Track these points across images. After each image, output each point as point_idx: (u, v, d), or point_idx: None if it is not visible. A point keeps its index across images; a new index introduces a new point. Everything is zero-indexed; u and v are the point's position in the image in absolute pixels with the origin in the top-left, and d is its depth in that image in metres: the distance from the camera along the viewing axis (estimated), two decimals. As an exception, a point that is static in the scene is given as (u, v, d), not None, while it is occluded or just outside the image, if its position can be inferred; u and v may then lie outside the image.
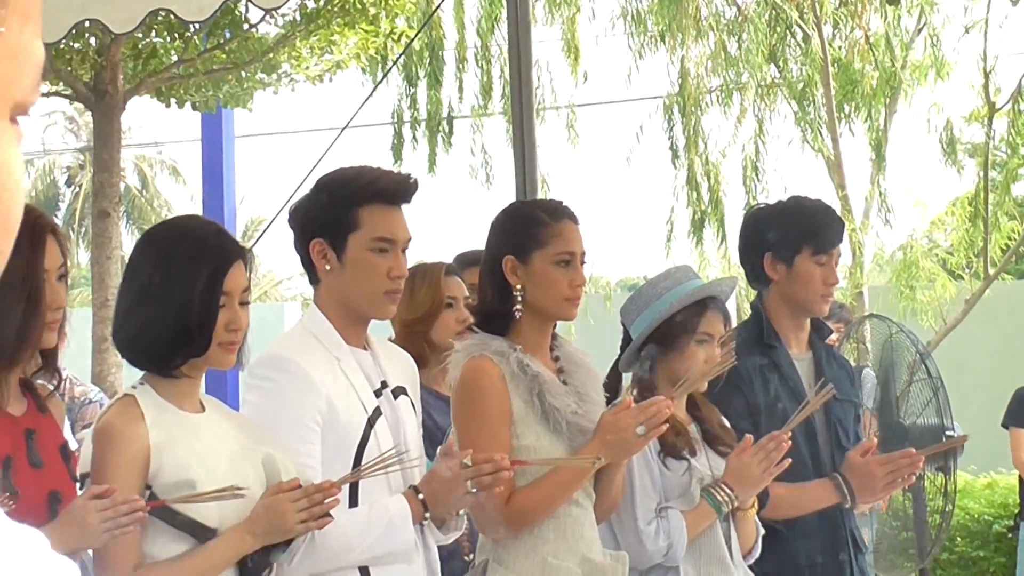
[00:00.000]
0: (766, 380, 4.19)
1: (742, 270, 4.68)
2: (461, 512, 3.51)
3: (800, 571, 4.17)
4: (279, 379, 3.30)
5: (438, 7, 12.53)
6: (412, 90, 15.20)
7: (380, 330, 4.19)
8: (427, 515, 3.35)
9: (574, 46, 14.89)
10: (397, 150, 15.36)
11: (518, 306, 3.59)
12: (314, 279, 3.49)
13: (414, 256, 3.73)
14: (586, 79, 15.02)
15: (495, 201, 16.24)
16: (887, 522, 5.11)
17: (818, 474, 4.19)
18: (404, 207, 3.49)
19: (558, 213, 3.67)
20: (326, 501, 3.02)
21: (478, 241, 4.18)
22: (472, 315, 3.89)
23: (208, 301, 3.05)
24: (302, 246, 3.46)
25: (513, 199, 5.32)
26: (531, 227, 3.63)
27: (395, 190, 3.46)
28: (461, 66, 15.16)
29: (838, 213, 4.69)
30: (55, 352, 3.04)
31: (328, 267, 3.42)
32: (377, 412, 3.37)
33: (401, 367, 3.59)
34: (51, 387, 3.17)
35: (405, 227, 3.46)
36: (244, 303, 3.14)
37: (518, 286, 3.59)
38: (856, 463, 4.15)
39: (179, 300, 3.03)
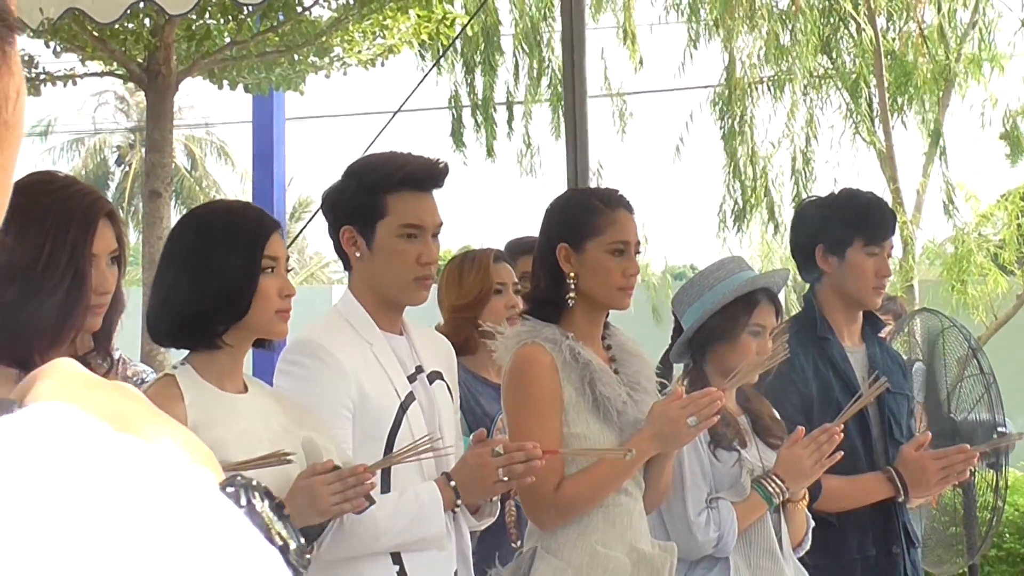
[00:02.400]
0: (819, 373, 4.17)
1: (791, 261, 4.66)
2: (495, 498, 3.50)
3: (852, 564, 4.15)
4: (309, 364, 3.29)
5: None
6: (468, 76, 15.18)
7: (429, 316, 4.19)
8: (459, 502, 3.34)
9: (630, 32, 14.83)
10: (458, 136, 15.35)
11: (571, 294, 3.58)
12: (347, 265, 3.49)
13: (467, 242, 3.74)
14: (642, 64, 14.96)
15: (547, 188, 16.23)
16: (936, 517, 5.08)
17: (871, 467, 4.17)
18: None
19: (613, 202, 3.65)
20: (364, 483, 3.01)
21: (528, 228, 4.16)
22: (524, 302, 3.88)
23: (248, 262, 3.03)
24: (334, 232, 3.47)
25: (564, 186, 5.31)
26: (586, 215, 3.61)
27: (423, 176, 3.45)
28: (516, 52, 15.13)
29: (890, 206, 4.66)
30: (106, 334, 3.03)
31: (358, 254, 3.42)
32: (410, 397, 3.36)
33: (437, 352, 3.58)
34: (104, 367, 3.15)
35: (435, 212, 3.45)
36: (288, 271, 3.14)
37: (571, 274, 3.58)
38: (910, 457, 4.14)
39: (220, 264, 3.01)
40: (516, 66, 15.17)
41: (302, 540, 0.98)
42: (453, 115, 15.29)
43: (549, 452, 3.33)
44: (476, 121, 15.32)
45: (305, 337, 3.36)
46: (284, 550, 0.93)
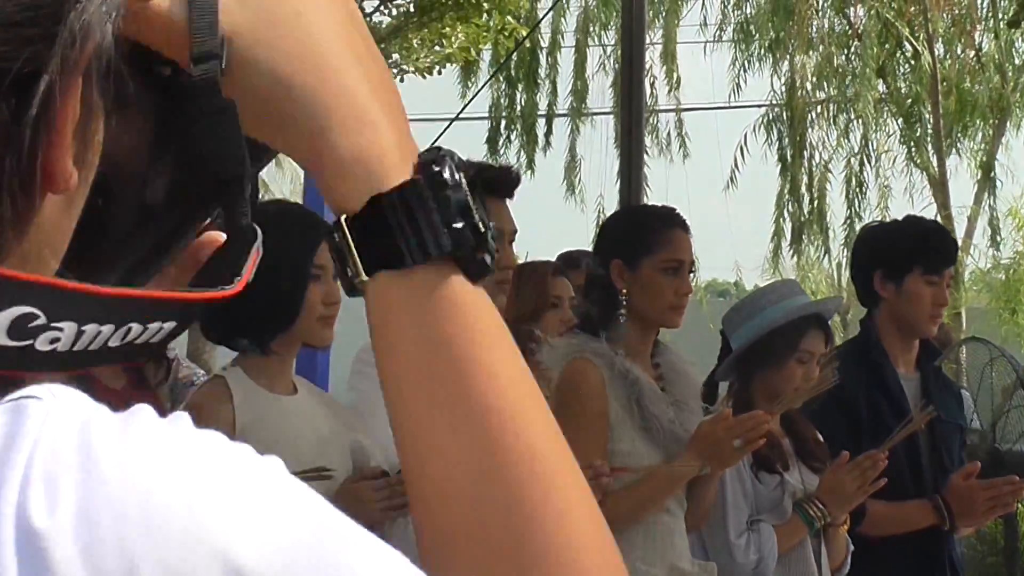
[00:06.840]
0: (871, 397, 4.14)
1: (843, 284, 4.66)
2: None
3: (893, 591, 4.13)
4: None
5: (554, 6, 12.54)
6: (511, 89, 15.23)
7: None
8: None
9: (671, 52, 14.89)
10: (492, 145, 15.41)
11: (622, 310, 3.59)
12: None
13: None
14: (679, 85, 15.01)
15: (589, 203, 16.24)
16: (974, 546, 5.07)
17: (919, 495, 4.13)
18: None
19: (670, 221, 3.67)
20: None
21: (568, 243, 4.16)
22: (576, 316, 3.89)
23: (299, 271, 3.04)
24: None
25: (613, 202, 5.32)
26: (642, 233, 3.62)
27: (498, 182, 3.49)
28: (575, 67, 15.17)
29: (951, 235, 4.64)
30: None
31: None
32: None
33: None
34: (161, 375, 3.19)
35: (510, 218, 3.49)
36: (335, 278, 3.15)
37: (623, 290, 3.60)
38: (958, 486, 4.10)
39: (270, 270, 3.01)
40: (575, 79, 15.21)
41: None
42: (491, 125, 15.38)
43: (617, 470, 3.35)
44: (510, 136, 15.39)
45: None
46: (483, 231, 0.80)
